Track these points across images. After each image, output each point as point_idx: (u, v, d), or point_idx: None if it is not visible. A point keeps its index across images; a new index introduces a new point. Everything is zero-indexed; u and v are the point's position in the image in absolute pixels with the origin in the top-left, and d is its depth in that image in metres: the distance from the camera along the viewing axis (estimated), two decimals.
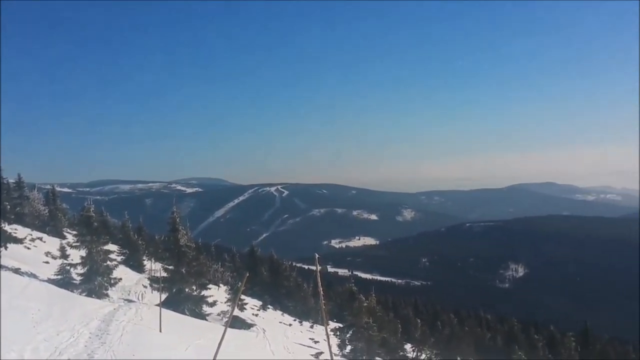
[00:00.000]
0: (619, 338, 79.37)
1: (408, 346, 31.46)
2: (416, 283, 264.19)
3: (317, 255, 8.21)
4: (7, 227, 32.02)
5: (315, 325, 41.80)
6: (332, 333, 30.32)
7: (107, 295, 26.26)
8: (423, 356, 27.47)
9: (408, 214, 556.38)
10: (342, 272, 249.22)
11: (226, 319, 27.28)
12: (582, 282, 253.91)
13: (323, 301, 8.51)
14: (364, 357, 25.44)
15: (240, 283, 36.68)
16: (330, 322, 49.29)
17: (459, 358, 42.63)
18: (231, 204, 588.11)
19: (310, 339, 32.13)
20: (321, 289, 7.87)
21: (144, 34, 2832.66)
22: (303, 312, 46.61)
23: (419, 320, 49.89)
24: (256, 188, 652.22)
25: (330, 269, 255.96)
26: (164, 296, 26.36)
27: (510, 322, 63.66)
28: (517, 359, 26.74)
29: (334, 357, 24.44)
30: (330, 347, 7.54)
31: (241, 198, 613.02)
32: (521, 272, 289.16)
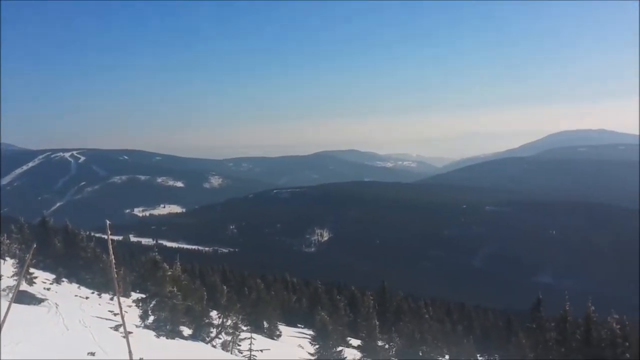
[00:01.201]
0: (413, 295, 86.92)
1: (214, 313, 31.15)
2: (224, 250, 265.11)
3: (108, 222, 7.33)
4: None
5: (115, 297, 39.77)
6: (134, 304, 28.94)
7: None
8: (229, 322, 27.29)
9: (215, 181, 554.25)
10: (145, 241, 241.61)
11: (12, 294, 24.64)
12: (382, 244, 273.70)
13: (115, 270, 7.70)
14: (168, 326, 24.60)
15: (28, 255, 33.39)
16: (132, 292, 47.25)
17: (265, 322, 43.46)
18: (19, 171, 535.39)
19: (109, 311, 30.38)
20: (112, 257, 7.06)
21: None
22: (102, 284, 43.92)
23: (225, 287, 49.93)
24: (48, 153, 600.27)
25: (133, 239, 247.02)
26: None
27: (314, 285, 66.50)
28: (319, 319, 27.72)
29: (135, 329, 23.33)
30: (122, 316, 6.81)
31: (30, 164, 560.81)
32: (326, 236, 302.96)
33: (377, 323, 35.58)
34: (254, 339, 19.86)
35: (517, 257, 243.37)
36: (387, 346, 37.78)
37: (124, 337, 21.87)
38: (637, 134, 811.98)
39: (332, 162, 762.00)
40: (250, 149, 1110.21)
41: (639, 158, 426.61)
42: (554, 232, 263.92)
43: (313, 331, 29.98)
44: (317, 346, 27.72)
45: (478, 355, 61.21)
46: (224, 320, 27.61)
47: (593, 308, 23.58)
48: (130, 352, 7.04)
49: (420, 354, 38.27)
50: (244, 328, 28.32)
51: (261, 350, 19.86)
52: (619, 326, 23.06)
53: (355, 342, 40.47)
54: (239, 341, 25.97)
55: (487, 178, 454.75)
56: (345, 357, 27.48)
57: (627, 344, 22.59)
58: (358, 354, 32.73)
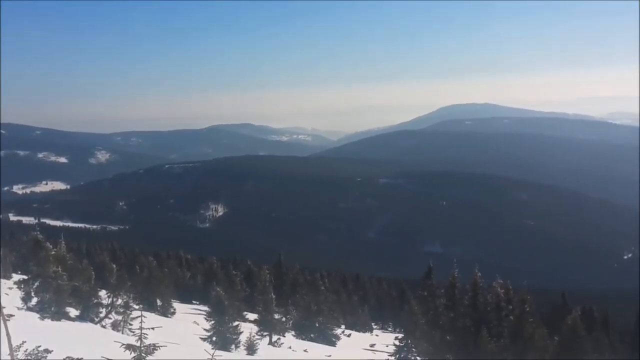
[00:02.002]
0: (309, 267, 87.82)
1: (103, 292, 29.88)
2: (113, 228, 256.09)
3: None
4: None
5: None
6: (15, 286, 27.19)
7: None
8: (119, 301, 26.26)
9: (102, 156, 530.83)
10: (27, 220, 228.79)
11: None
12: (278, 218, 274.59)
13: None
14: (53, 308, 23.27)
15: None
16: (14, 274, 44.42)
17: (158, 299, 42.38)
18: None
19: None
20: None
21: None
22: None
23: (114, 266, 48.12)
24: None
25: (12, 218, 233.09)
26: None
27: (209, 261, 65.56)
28: (215, 295, 27.32)
29: (17, 312, 21.82)
30: None
31: None
32: (221, 211, 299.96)
33: (274, 296, 35.66)
34: (144, 317, 19.18)
35: (409, 227, 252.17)
36: (284, 319, 38.06)
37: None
38: (521, 107, 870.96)
39: (226, 136, 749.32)
40: (140, 122, 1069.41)
41: (522, 130, 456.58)
42: (444, 202, 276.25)
43: (208, 307, 29.58)
44: (212, 322, 27.35)
45: (373, 324, 63.39)
46: (114, 299, 26.57)
47: (480, 274, 24.80)
48: (8, 335, 6.42)
49: (317, 325, 38.94)
50: (136, 307, 27.41)
51: (152, 328, 19.23)
52: (503, 290, 24.45)
53: (252, 316, 40.41)
54: (131, 320, 25.08)
55: (381, 151, 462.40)
56: (242, 332, 27.31)
57: (511, 307, 24.04)
58: (255, 328, 32.68)
